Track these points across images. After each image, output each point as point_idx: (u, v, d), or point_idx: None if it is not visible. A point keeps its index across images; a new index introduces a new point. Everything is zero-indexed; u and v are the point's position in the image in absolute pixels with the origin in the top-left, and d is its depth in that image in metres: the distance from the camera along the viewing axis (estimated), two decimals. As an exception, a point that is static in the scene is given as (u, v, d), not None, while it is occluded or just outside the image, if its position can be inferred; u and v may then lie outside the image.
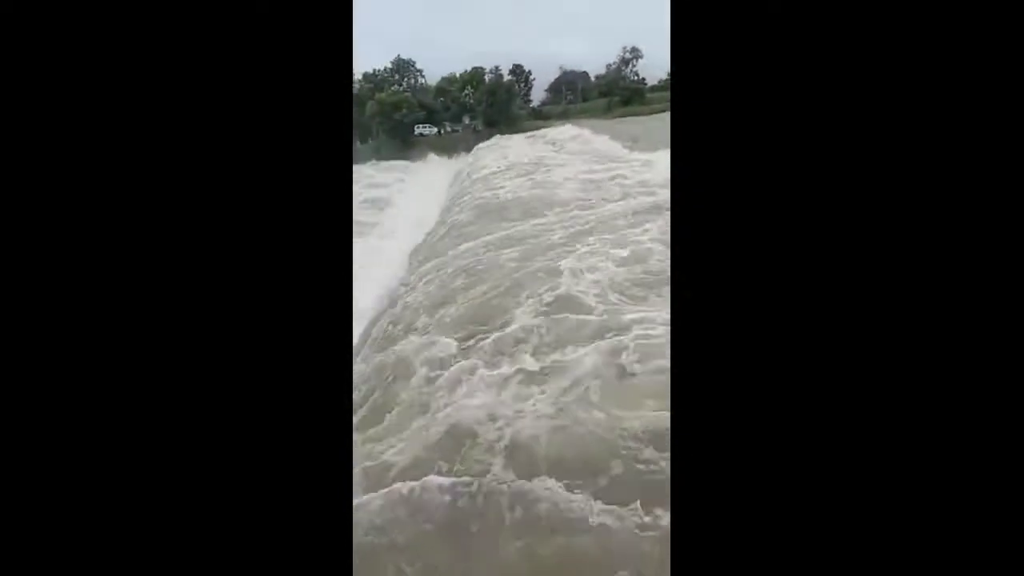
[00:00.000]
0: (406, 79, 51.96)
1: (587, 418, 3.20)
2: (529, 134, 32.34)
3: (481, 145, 30.66)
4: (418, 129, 46.27)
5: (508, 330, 4.67)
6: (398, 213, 16.40)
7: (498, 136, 34.94)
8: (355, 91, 48.68)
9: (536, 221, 8.96)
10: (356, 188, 23.10)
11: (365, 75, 49.84)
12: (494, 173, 16.67)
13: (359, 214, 16.32)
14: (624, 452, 2.87)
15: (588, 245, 7.03)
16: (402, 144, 42.79)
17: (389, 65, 51.63)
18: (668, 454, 2.67)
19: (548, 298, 5.17)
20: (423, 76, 52.39)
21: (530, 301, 5.17)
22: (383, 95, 45.43)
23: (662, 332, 4.03)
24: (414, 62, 52.41)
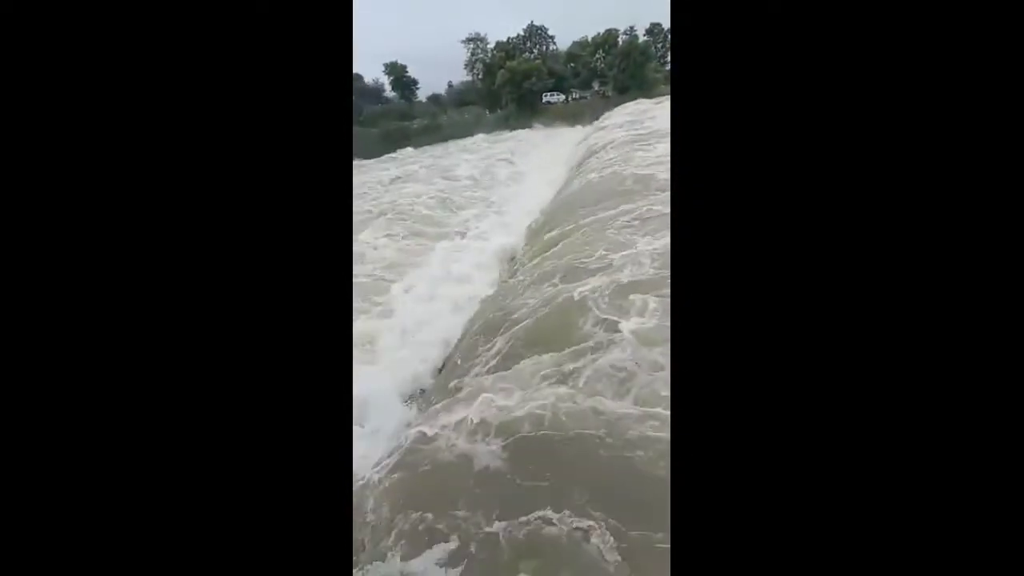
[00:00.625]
0: (538, 46, 51.39)
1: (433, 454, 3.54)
2: (656, 100, 30.33)
3: (604, 116, 29.46)
4: (546, 97, 45.76)
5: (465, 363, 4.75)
6: (507, 194, 16.31)
7: (617, 106, 33.14)
8: (487, 60, 49.50)
9: (609, 212, 8.39)
10: (473, 159, 23.76)
11: (498, 43, 50.21)
12: (596, 152, 15.96)
13: (463, 192, 16.67)
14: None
15: (654, 237, 6.54)
16: (530, 113, 42.83)
17: (521, 32, 51.47)
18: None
19: (537, 315, 5.01)
20: (555, 42, 51.43)
21: (525, 308, 5.03)
22: (513, 63, 45.50)
23: (623, 358, 3.74)
24: (546, 28, 51.59)
